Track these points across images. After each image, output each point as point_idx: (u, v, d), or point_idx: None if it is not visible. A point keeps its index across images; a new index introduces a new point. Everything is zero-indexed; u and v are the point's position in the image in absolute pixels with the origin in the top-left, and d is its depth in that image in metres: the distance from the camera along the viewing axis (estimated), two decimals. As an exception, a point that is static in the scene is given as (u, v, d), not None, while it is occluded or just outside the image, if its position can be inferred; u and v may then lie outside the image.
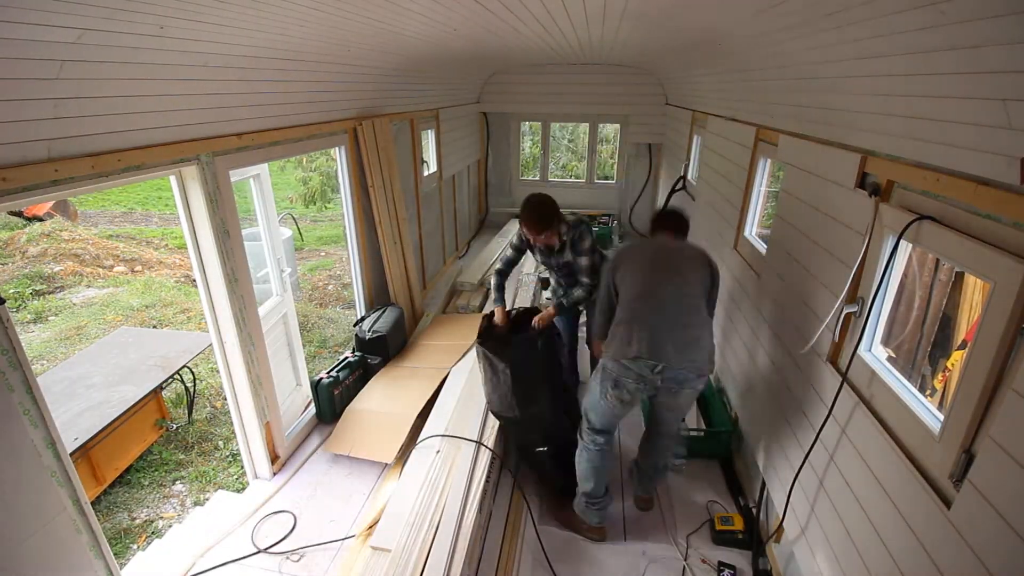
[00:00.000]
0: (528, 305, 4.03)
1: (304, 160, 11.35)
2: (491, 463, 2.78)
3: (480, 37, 3.47)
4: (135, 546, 2.98)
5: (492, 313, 3.23)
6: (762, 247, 3.07)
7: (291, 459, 3.27)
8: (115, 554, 2.19)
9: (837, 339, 2.04)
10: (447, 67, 4.87)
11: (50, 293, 6.76)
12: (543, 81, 7.10)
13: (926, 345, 2.77)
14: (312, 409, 3.61)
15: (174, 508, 3.29)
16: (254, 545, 2.65)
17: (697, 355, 2.31)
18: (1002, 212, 1.27)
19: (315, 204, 11.54)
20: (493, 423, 3.02)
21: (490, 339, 3.01)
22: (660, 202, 7.32)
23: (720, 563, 2.53)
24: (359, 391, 3.79)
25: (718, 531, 2.68)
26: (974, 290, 2.62)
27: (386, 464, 3.20)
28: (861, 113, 1.91)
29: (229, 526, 2.75)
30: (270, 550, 2.63)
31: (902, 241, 1.66)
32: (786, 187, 2.68)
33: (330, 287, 7.41)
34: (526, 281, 5.11)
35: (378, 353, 3.95)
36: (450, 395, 3.36)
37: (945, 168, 1.47)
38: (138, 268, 7.81)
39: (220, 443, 3.87)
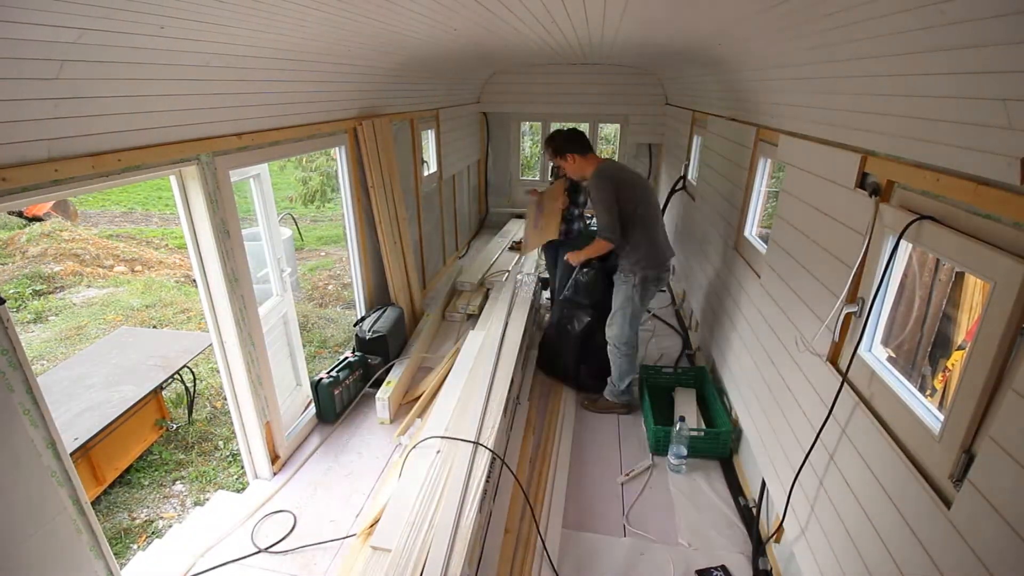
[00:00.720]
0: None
1: (304, 160, 11.36)
2: (492, 463, 2.78)
3: (480, 37, 3.47)
4: (135, 546, 2.98)
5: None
6: (762, 247, 3.07)
7: (291, 459, 3.27)
8: (115, 554, 2.18)
9: (837, 339, 2.04)
10: (447, 67, 4.87)
11: (50, 293, 6.76)
12: (543, 81, 7.10)
13: (926, 345, 2.77)
14: (312, 409, 3.61)
15: (174, 508, 3.29)
16: (254, 545, 2.65)
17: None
18: (1002, 212, 1.27)
19: (315, 204, 11.55)
20: (493, 423, 3.01)
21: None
22: (660, 202, 7.32)
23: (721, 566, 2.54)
24: (360, 391, 3.80)
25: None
26: (974, 290, 2.62)
27: (386, 465, 3.21)
28: (861, 113, 1.91)
29: (229, 526, 2.75)
30: (270, 550, 2.63)
31: (902, 241, 1.66)
32: (786, 187, 2.68)
33: (330, 287, 7.41)
34: (526, 280, 5.11)
35: (378, 353, 3.95)
36: (450, 395, 3.36)
37: (945, 168, 1.47)
38: (138, 268, 7.81)
39: (220, 443, 3.87)
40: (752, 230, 3.41)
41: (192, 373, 4.09)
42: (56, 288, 6.89)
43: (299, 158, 11.10)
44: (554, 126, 11.02)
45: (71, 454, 2.23)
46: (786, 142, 2.71)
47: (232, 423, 2.98)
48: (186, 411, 4.09)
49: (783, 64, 2.44)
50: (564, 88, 7.11)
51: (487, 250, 6.50)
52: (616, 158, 8.24)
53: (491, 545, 2.61)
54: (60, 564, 1.84)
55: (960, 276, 2.66)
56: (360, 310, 4.33)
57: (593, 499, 2.97)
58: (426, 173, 5.51)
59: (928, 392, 2.68)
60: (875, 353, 1.89)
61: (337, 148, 3.73)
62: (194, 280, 2.73)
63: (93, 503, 2.80)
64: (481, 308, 5.01)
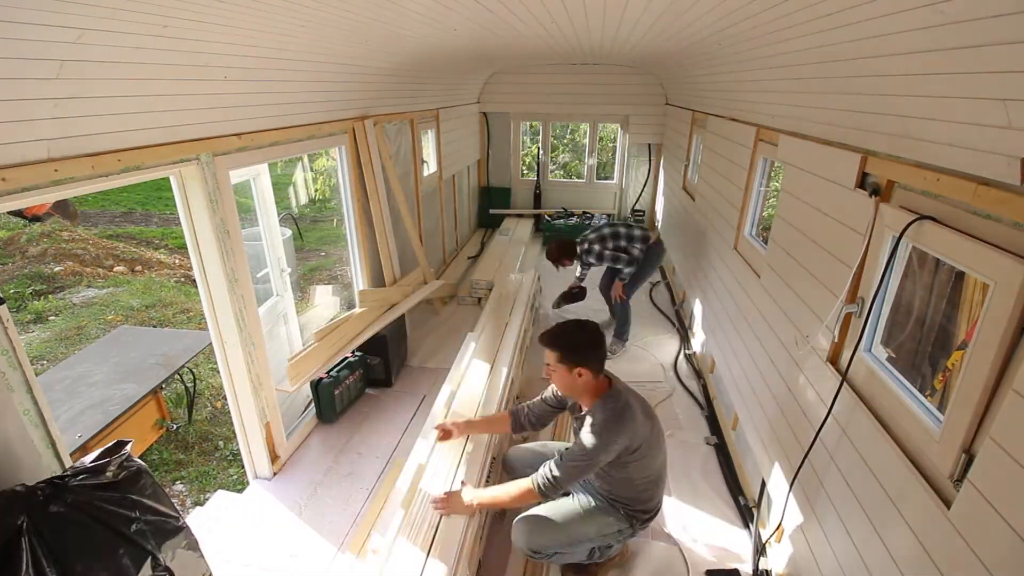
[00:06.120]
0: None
1: (304, 159, 11.36)
2: (491, 465, 2.77)
3: (480, 37, 3.47)
4: (135, 546, 2.98)
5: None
6: (762, 247, 3.07)
7: (291, 459, 3.27)
8: (115, 554, 2.18)
9: (837, 339, 2.04)
10: (447, 67, 4.87)
11: (50, 293, 6.75)
12: (543, 81, 7.11)
13: (926, 345, 2.77)
14: (312, 409, 3.61)
15: (174, 508, 3.29)
16: (254, 545, 2.65)
17: None
18: (1002, 212, 1.27)
19: (315, 204, 11.55)
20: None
21: None
22: (660, 202, 7.33)
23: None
24: (360, 391, 3.80)
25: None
26: (974, 290, 2.61)
27: (386, 465, 3.21)
28: (861, 113, 1.91)
29: (229, 526, 2.75)
30: (270, 551, 2.63)
31: (902, 241, 1.66)
32: (786, 187, 2.68)
33: (330, 287, 7.41)
34: (525, 282, 5.10)
35: (378, 353, 3.95)
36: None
37: (945, 168, 1.47)
38: (138, 268, 7.81)
39: (220, 443, 3.88)
40: (752, 230, 3.41)
41: (192, 373, 4.09)
42: (56, 288, 6.88)
43: (299, 157, 11.11)
44: (554, 126, 11.05)
45: (71, 453, 2.23)
46: (786, 142, 2.71)
47: (232, 423, 2.98)
48: (186, 411, 4.09)
49: (783, 64, 2.44)
50: (564, 88, 7.12)
51: (487, 252, 6.50)
52: (617, 157, 8.25)
53: (492, 545, 2.61)
54: (60, 564, 1.84)
55: (960, 276, 2.65)
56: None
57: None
58: (426, 173, 5.51)
59: (928, 392, 2.68)
60: (875, 353, 1.89)
61: (337, 148, 3.73)
62: (194, 280, 2.73)
63: (93, 503, 2.80)
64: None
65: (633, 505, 2.23)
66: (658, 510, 2.32)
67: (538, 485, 2.07)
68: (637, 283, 4.49)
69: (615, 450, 2.02)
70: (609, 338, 4.31)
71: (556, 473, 2.04)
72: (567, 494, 2.34)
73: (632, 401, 2.12)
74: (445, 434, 2.55)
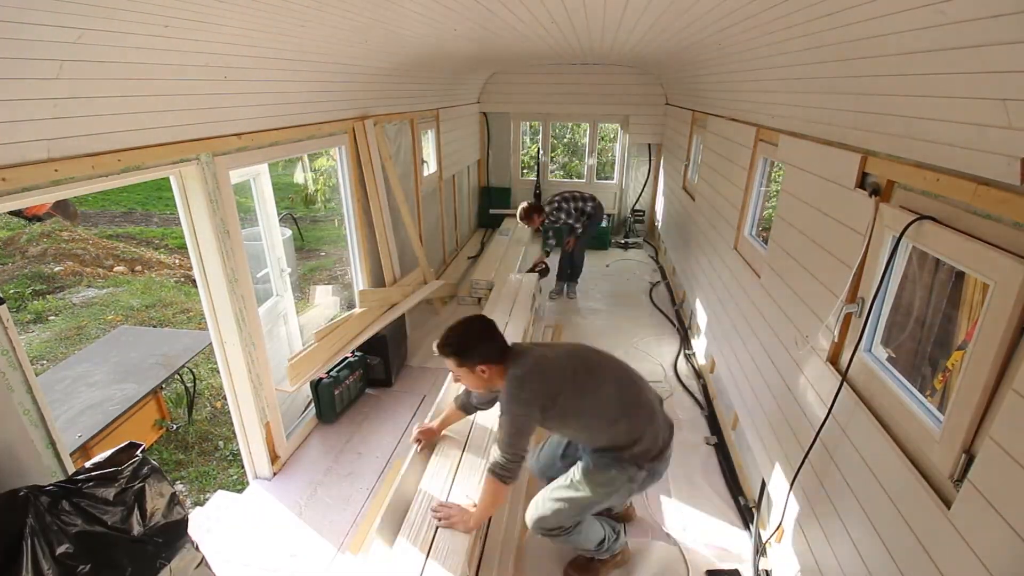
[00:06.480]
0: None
1: (305, 159, 11.36)
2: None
3: (480, 37, 3.47)
4: (135, 546, 2.98)
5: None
6: (762, 247, 3.07)
7: (291, 459, 3.27)
8: (115, 554, 2.18)
9: (837, 339, 2.04)
10: (447, 67, 4.87)
11: (50, 293, 6.75)
12: (543, 81, 7.11)
13: (926, 345, 2.76)
14: (312, 409, 3.61)
15: (174, 508, 3.29)
16: (254, 545, 2.65)
17: None
18: (1002, 212, 1.27)
19: (315, 204, 11.55)
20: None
21: None
22: (660, 202, 7.33)
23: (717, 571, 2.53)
24: (360, 391, 3.80)
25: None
26: (974, 290, 2.61)
27: (386, 465, 3.21)
28: (861, 113, 1.91)
29: (229, 526, 2.75)
30: (270, 551, 2.63)
31: (902, 241, 1.66)
32: (786, 187, 2.69)
33: (330, 288, 7.41)
34: (523, 284, 5.10)
35: (378, 353, 3.95)
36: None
37: (945, 168, 1.47)
38: (138, 268, 7.81)
39: (220, 443, 3.87)
40: (752, 230, 3.41)
41: (192, 373, 4.09)
42: (56, 288, 6.88)
43: (300, 157, 11.11)
44: (553, 126, 11.07)
45: (71, 453, 2.23)
46: (786, 142, 2.71)
47: (232, 423, 2.98)
48: (186, 411, 4.09)
49: (783, 64, 2.44)
50: (564, 88, 7.12)
51: (487, 251, 6.49)
52: (617, 155, 8.25)
53: (491, 545, 2.61)
54: (60, 564, 1.84)
55: (960, 276, 2.65)
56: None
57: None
58: (426, 173, 5.51)
59: (928, 392, 2.68)
60: (875, 353, 1.89)
61: (337, 148, 3.73)
62: (194, 280, 2.73)
63: (93, 503, 2.79)
64: (480, 303, 5.00)
65: (623, 449, 2.07)
66: (660, 446, 2.11)
67: (495, 474, 1.96)
68: (586, 235, 5.64)
69: (535, 405, 1.94)
70: (564, 287, 5.93)
71: (497, 457, 1.96)
72: (572, 461, 2.28)
73: (543, 352, 2.06)
74: (426, 437, 2.51)
